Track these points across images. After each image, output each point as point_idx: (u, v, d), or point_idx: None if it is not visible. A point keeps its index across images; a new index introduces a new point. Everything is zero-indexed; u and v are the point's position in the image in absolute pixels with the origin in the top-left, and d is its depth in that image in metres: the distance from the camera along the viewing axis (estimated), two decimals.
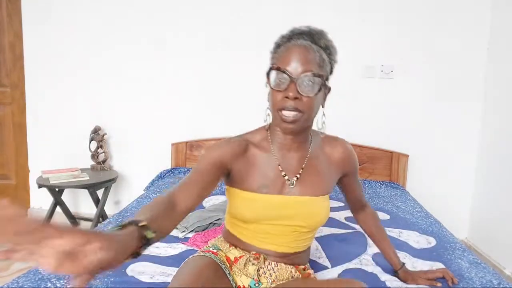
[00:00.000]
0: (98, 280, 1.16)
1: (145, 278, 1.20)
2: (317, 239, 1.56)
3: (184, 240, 1.55)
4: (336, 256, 1.42)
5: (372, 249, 1.49)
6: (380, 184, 2.56)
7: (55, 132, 2.87)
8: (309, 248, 1.13)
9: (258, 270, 1.01)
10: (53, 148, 2.88)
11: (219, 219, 1.70)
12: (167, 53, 2.75)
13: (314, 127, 1.03)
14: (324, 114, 1.00)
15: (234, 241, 1.07)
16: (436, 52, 2.61)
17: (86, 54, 2.78)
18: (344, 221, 1.83)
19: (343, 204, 2.07)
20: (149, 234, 0.64)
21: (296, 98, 0.89)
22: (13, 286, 1.11)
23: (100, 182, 2.50)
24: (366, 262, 1.40)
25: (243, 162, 0.99)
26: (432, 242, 1.61)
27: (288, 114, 0.90)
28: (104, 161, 2.76)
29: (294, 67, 0.89)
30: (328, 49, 0.97)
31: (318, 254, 1.44)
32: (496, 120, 2.47)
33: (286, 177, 1.00)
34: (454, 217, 2.62)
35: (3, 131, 2.93)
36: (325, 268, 1.34)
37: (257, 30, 2.65)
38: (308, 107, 0.91)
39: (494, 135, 2.49)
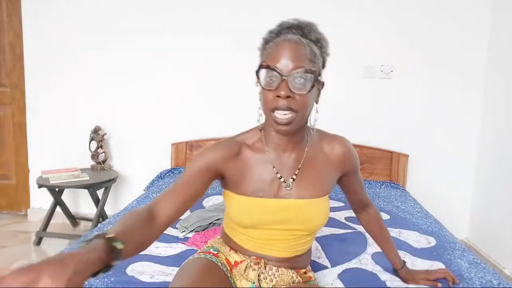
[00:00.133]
0: (98, 280, 1.16)
1: (145, 278, 1.20)
2: (317, 239, 1.56)
3: (184, 240, 1.55)
4: (336, 256, 1.42)
5: (372, 248, 1.49)
6: (380, 184, 2.56)
7: (55, 132, 2.87)
8: (309, 250, 1.10)
9: (258, 276, 0.99)
10: (53, 148, 2.88)
11: (219, 219, 1.70)
12: (167, 53, 2.75)
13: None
14: (317, 111, 0.94)
15: (233, 246, 1.05)
16: (436, 52, 2.61)
17: (86, 54, 2.78)
18: (344, 221, 1.83)
19: (343, 204, 2.07)
20: (118, 245, 0.64)
21: (288, 97, 0.84)
22: None
23: (100, 182, 2.50)
24: (365, 261, 1.40)
25: (236, 165, 0.95)
26: (432, 242, 1.61)
27: (282, 116, 0.85)
28: (104, 161, 2.76)
29: (284, 64, 0.84)
30: (319, 42, 0.91)
31: (318, 254, 1.44)
32: (496, 120, 2.47)
33: (282, 179, 0.96)
34: (454, 217, 2.63)
35: (3, 131, 2.93)
36: (325, 268, 1.34)
37: (257, 30, 2.62)
38: (302, 105, 0.86)
39: (494, 135, 2.49)
